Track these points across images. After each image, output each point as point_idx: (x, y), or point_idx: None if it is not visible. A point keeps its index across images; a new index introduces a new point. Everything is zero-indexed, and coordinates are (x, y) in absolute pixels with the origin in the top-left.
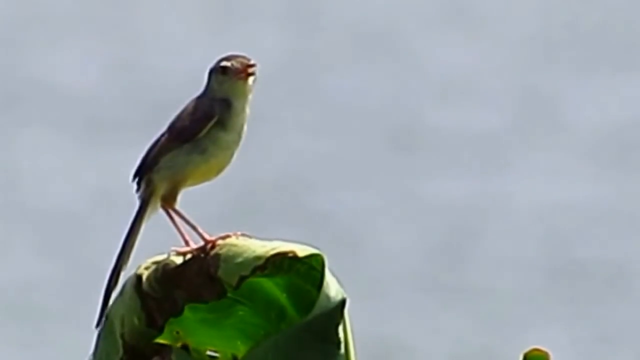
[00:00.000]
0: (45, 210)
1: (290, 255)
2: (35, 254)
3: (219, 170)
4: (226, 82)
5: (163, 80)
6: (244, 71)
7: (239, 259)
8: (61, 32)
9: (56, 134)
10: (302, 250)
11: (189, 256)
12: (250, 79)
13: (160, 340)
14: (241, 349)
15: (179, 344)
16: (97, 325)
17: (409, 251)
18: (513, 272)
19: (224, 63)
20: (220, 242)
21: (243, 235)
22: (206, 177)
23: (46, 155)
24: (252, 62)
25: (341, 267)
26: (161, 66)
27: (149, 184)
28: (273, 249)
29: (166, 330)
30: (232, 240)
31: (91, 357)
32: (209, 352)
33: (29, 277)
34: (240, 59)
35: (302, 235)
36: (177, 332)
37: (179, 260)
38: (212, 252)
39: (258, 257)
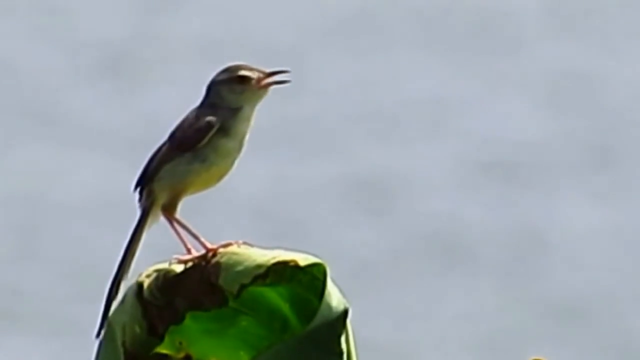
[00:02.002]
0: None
1: (292, 264)
2: (41, 268)
3: (220, 177)
4: (246, 92)
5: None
6: (264, 80)
7: (240, 268)
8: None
9: (54, 145)
10: (303, 259)
11: (190, 264)
12: (270, 88)
13: (162, 351)
14: None
15: (181, 354)
16: (98, 335)
17: (403, 255)
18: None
19: (243, 72)
20: (221, 250)
21: (244, 243)
22: (207, 185)
23: (44, 162)
24: (268, 71)
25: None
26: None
27: (150, 193)
28: (274, 257)
29: (169, 340)
30: (233, 248)
31: None
32: None
33: (26, 285)
34: (255, 70)
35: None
36: (180, 343)
37: (180, 268)
38: (213, 261)
39: (259, 266)
